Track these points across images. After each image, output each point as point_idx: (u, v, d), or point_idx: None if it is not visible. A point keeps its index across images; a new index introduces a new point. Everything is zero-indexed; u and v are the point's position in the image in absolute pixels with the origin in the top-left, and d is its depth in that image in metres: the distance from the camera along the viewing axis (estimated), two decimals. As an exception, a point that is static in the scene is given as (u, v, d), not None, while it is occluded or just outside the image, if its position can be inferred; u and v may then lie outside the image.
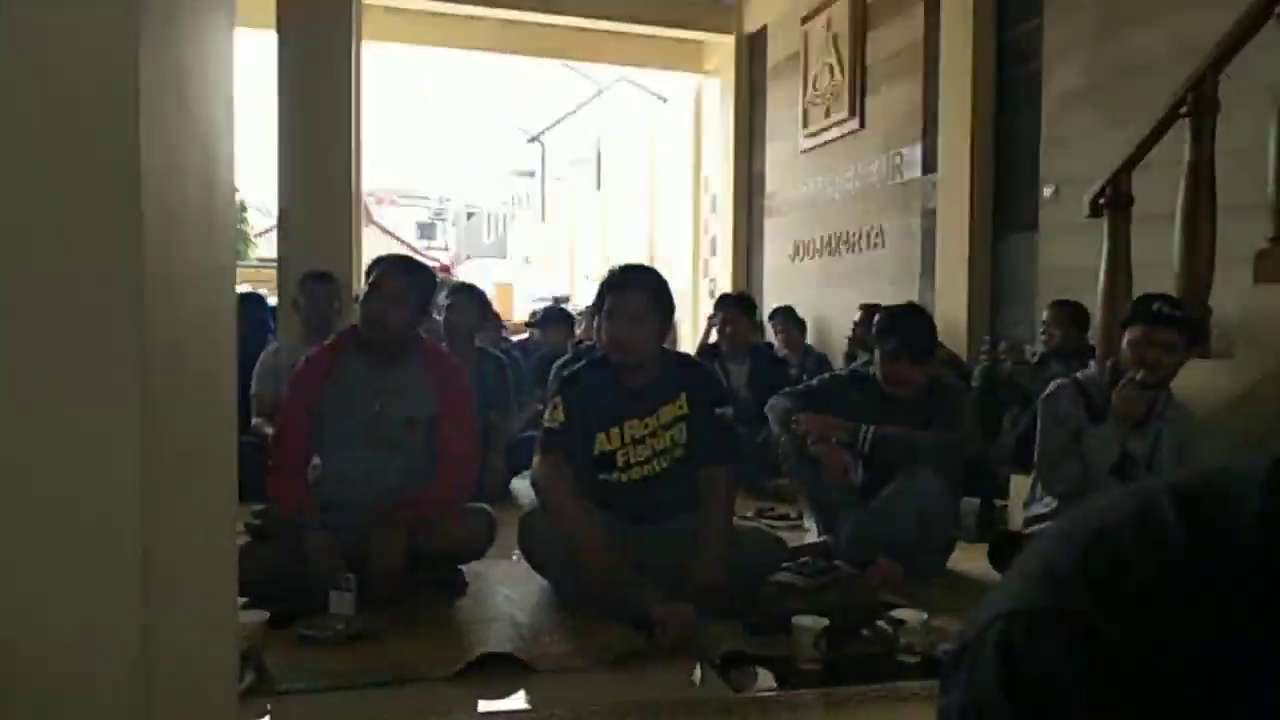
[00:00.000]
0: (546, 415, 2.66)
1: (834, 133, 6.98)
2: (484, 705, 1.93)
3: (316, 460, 2.74)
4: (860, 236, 6.67)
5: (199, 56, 0.91)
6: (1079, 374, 2.88)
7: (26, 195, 0.73)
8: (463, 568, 2.72)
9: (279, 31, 4.66)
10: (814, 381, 3.22)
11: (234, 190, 1.11)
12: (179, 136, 0.83)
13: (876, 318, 3.09)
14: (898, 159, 6.22)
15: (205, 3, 0.98)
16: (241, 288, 4.75)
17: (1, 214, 0.72)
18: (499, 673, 2.06)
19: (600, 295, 2.63)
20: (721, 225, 8.53)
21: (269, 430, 3.38)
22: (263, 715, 1.86)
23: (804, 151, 7.42)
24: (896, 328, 2.98)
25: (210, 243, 0.97)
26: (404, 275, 2.71)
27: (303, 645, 2.15)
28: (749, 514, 3.53)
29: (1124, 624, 0.45)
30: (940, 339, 4.54)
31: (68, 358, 0.73)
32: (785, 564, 2.49)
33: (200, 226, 0.92)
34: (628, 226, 13.61)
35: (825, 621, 2.14)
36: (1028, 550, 0.54)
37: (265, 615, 2.09)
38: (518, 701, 1.96)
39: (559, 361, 4.71)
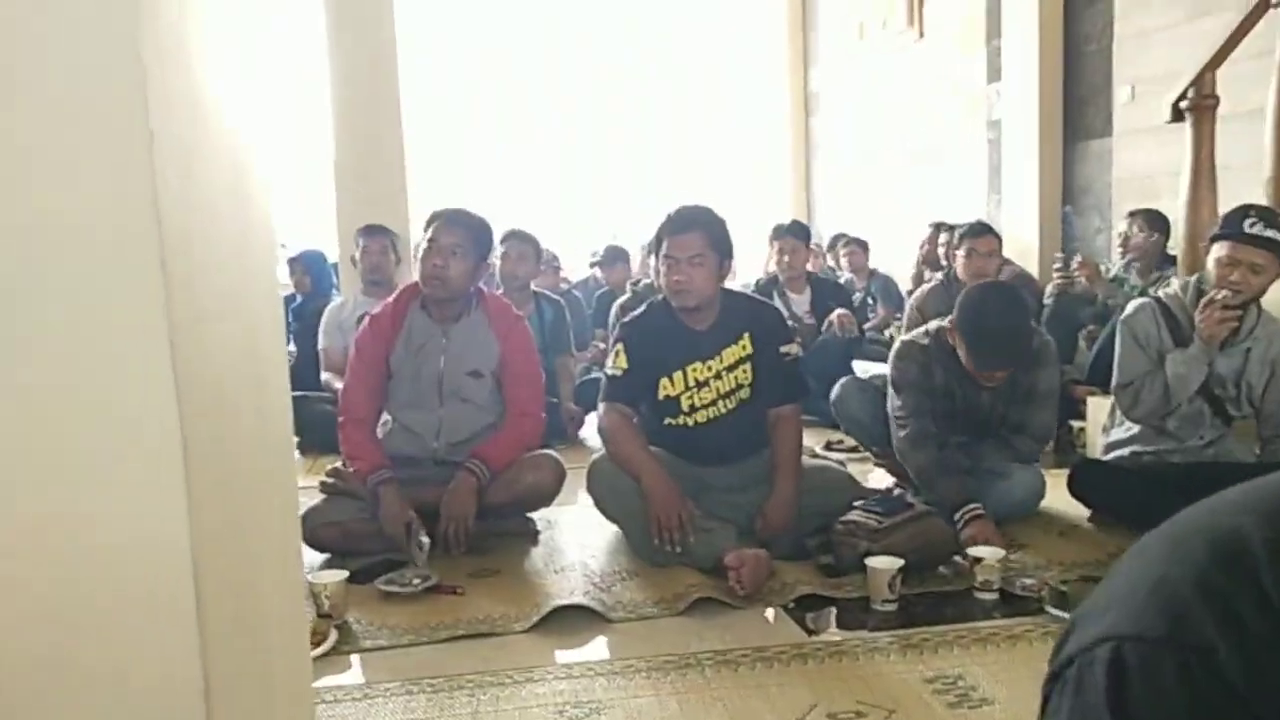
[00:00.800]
0: (609, 362, 2.64)
1: (892, 45, 6.70)
2: (561, 656, 1.95)
3: (386, 416, 2.78)
4: (923, 153, 6.45)
5: (219, 22, 0.88)
6: (1161, 292, 2.74)
7: (29, 196, 0.69)
8: (534, 516, 2.75)
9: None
10: (893, 371, 2.74)
11: (271, 163, 1.07)
12: (198, 123, 0.80)
13: (960, 305, 2.60)
14: (960, 69, 5.96)
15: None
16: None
17: (8, 215, 0.70)
18: (575, 623, 2.09)
19: (657, 238, 2.58)
20: (778, 149, 8.31)
21: (338, 385, 3.43)
22: (346, 670, 1.91)
23: (861, 67, 7.16)
24: (990, 339, 2.50)
25: (246, 230, 0.94)
26: (460, 229, 2.68)
27: (383, 600, 2.20)
28: (817, 448, 3.48)
29: (1253, 658, 0.40)
30: (1010, 257, 4.41)
31: (96, 368, 0.71)
32: (857, 502, 2.46)
33: (231, 208, 0.89)
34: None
35: (900, 561, 2.11)
36: (1136, 557, 0.50)
37: (345, 574, 2.14)
38: (594, 652, 1.99)
39: (619, 301, 4.69)
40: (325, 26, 4.69)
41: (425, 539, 2.40)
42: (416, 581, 2.24)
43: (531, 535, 2.69)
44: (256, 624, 0.92)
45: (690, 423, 2.58)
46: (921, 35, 6.38)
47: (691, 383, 2.56)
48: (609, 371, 2.62)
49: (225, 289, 0.86)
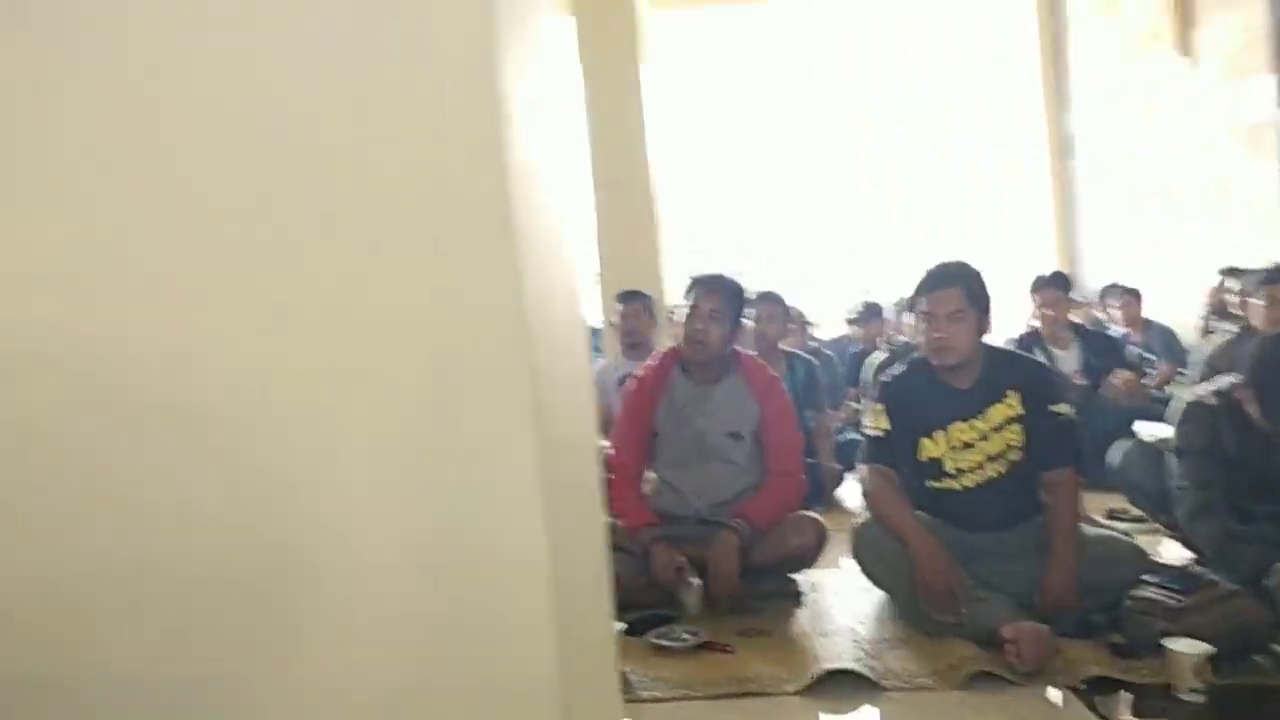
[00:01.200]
0: (869, 422, 2.63)
1: (1157, 76, 6.25)
2: (830, 722, 1.95)
3: (650, 474, 2.91)
4: (1201, 191, 5.92)
5: (545, 61, 1.01)
6: None
7: (401, 213, 0.83)
8: (798, 577, 2.76)
9: (583, 65, 5.01)
10: (1177, 435, 2.55)
11: (575, 200, 1.20)
12: (535, 144, 0.93)
13: (1253, 357, 2.35)
14: (1241, 96, 5.45)
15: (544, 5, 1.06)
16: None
17: (381, 237, 0.83)
18: (844, 688, 2.08)
19: (915, 295, 2.57)
20: (1036, 196, 7.92)
21: (604, 443, 3.63)
22: (625, 721, 2.01)
23: (1122, 102, 6.72)
24: None
25: (562, 259, 1.07)
26: (717, 294, 2.80)
27: (656, 654, 2.29)
28: (1098, 516, 3.24)
29: None
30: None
31: (465, 387, 0.84)
32: (1148, 577, 2.28)
33: (554, 242, 1.01)
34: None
35: (1208, 648, 1.93)
36: None
37: (623, 627, 2.25)
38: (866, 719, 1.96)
39: (876, 360, 4.63)
40: (583, 111, 5.05)
41: (696, 580, 2.48)
42: (687, 637, 2.32)
43: (794, 596, 2.70)
44: (583, 671, 1.02)
45: (958, 486, 2.50)
46: (1194, 63, 5.91)
47: (956, 443, 2.50)
48: (869, 432, 2.61)
49: (562, 368, 0.98)
